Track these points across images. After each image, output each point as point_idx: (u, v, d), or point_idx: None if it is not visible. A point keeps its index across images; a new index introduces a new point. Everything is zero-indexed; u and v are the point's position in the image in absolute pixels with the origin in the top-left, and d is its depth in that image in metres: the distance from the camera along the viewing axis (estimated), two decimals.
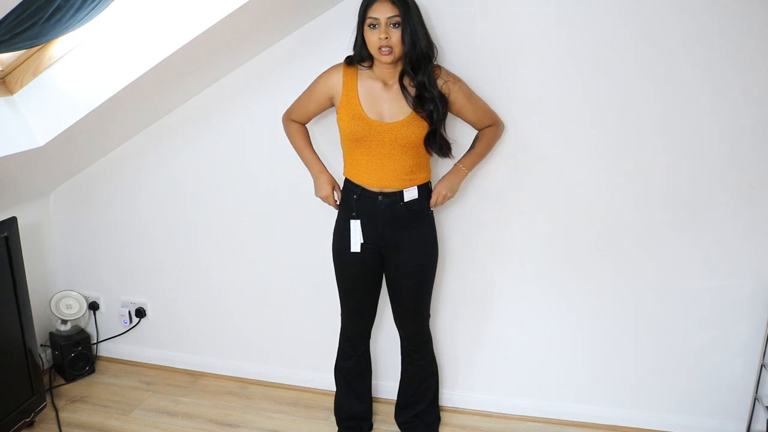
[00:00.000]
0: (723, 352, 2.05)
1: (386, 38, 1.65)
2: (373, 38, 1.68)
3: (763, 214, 1.92)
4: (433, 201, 1.88)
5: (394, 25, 1.66)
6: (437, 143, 1.79)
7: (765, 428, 1.99)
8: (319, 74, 1.86)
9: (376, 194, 1.82)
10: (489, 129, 1.92)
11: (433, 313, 2.07)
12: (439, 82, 1.76)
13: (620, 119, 1.94)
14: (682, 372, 2.11)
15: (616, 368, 2.17)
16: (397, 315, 2.01)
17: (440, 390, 2.21)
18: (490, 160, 2.05)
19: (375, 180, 1.81)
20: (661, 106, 1.90)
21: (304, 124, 1.99)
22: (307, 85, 1.89)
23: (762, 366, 1.99)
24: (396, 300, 1.98)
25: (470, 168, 1.93)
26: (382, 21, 1.65)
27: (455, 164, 1.91)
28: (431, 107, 1.74)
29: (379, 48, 1.67)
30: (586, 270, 2.10)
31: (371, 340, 2.10)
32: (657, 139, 1.93)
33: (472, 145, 1.94)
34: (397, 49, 1.68)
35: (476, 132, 1.94)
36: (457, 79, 1.81)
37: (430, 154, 1.84)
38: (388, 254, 1.90)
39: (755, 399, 2.03)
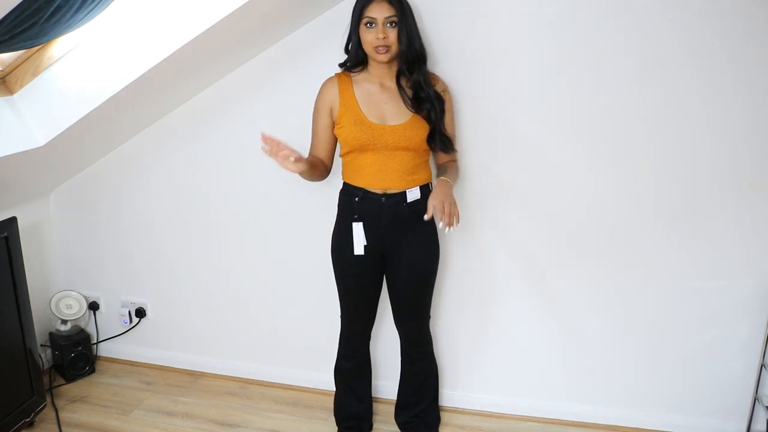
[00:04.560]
0: (723, 352, 2.05)
1: (384, 37, 1.68)
2: (369, 37, 1.69)
3: (763, 214, 1.92)
4: (430, 215, 1.67)
5: (391, 24, 1.68)
6: (439, 141, 1.80)
7: (765, 428, 1.99)
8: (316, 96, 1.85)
9: (380, 195, 1.81)
10: (452, 162, 1.92)
11: (434, 313, 2.06)
12: (437, 88, 1.80)
13: (619, 120, 1.94)
14: (682, 372, 2.11)
15: (616, 368, 2.17)
16: (397, 317, 2.00)
17: (441, 390, 2.21)
18: (487, 162, 2.05)
19: (378, 181, 1.80)
20: (660, 106, 1.90)
21: (326, 164, 1.90)
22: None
23: (762, 366, 1.99)
24: (397, 302, 1.97)
25: (454, 182, 1.85)
26: (380, 20, 1.67)
27: (439, 178, 1.78)
28: (428, 107, 1.76)
29: (376, 47, 1.69)
30: (585, 271, 2.10)
31: (371, 341, 2.10)
32: (658, 141, 1.93)
33: (442, 171, 1.88)
34: (394, 48, 1.71)
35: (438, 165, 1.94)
36: (448, 93, 1.87)
37: (435, 151, 1.86)
38: (391, 256, 1.89)
39: (755, 399, 2.03)
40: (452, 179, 1.82)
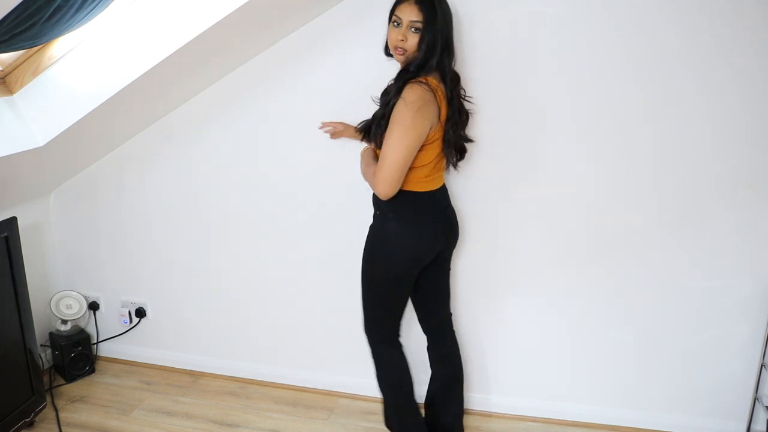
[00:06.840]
0: (723, 352, 2.05)
1: (402, 40, 1.63)
2: (392, 36, 1.66)
3: (763, 214, 1.92)
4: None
5: (415, 29, 1.62)
6: (372, 131, 1.71)
7: (765, 428, 1.99)
8: None
9: None
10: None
11: None
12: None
13: (619, 120, 1.94)
14: (682, 372, 2.11)
15: (616, 368, 2.17)
16: None
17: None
18: (487, 163, 2.05)
19: None
20: (661, 107, 1.90)
21: None
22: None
23: (762, 366, 1.99)
24: None
25: (371, 158, 1.77)
26: (404, 22, 1.62)
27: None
28: (372, 120, 1.72)
29: (395, 47, 1.66)
30: (586, 271, 2.10)
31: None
32: (658, 141, 1.93)
33: None
34: (410, 54, 1.65)
35: None
36: (408, 102, 1.57)
37: (369, 142, 1.77)
38: None
39: (755, 399, 2.03)
40: (371, 155, 1.78)
